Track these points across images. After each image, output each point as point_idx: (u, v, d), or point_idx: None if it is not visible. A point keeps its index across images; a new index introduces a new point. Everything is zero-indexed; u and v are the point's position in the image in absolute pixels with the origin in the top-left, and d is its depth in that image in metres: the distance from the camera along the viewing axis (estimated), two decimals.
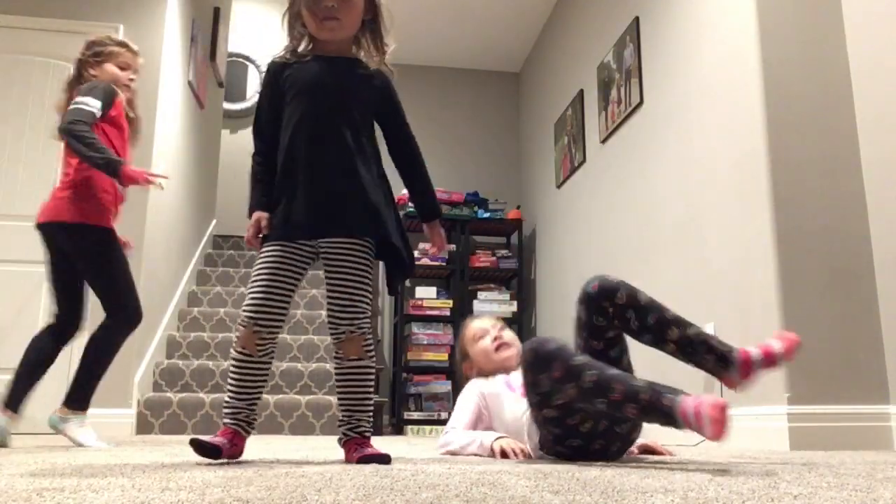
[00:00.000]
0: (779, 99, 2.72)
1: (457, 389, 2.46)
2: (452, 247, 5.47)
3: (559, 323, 4.87)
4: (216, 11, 5.49)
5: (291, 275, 1.60)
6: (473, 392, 2.05)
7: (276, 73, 1.68)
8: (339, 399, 1.61)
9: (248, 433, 1.61)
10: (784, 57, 2.76)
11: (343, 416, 1.60)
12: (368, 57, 1.72)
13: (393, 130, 1.78)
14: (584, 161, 4.54)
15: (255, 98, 6.04)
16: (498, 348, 2.10)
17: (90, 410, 2.57)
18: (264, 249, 1.61)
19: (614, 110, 4.06)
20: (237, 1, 6.63)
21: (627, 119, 3.90)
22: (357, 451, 1.52)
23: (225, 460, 1.53)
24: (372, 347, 1.61)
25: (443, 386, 5.19)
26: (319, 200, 1.59)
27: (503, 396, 1.98)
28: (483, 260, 5.48)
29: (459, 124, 6.25)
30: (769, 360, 1.54)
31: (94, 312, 2.61)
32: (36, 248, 3.95)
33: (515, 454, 1.77)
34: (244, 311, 1.57)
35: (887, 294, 2.57)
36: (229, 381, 1.59)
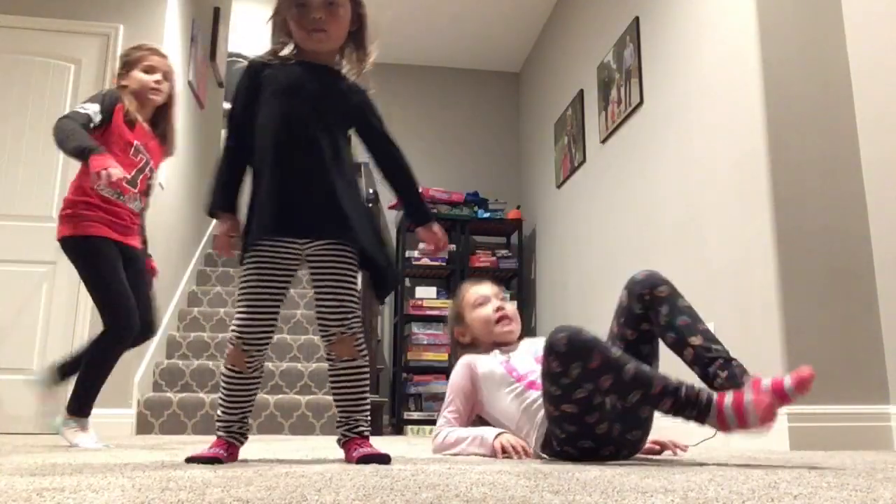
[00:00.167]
0: (779, 99, 2.71)
1: None
2: (453, 247, 5.47)
3: (559, 323, 4.86)
4: (216, 11, 5.49)
5: (277, 286, 1.59)
6: (466, 376, 1.93)
7: (256, 71, 1.66)
8: (335, 400, 1.60)
9: (242, 443, 1.61)
10: (784, 57, 2.76)
11: (340, 417, 1.60)
12: (350, 67, 1.72)
13: (375, 142, 1.77)
14: (584, 161, 4.54)
15: None
16: (499, 320, 2.00)
17: (93, 410, 2.57)
18: (249, 257, 1.59)
19: (614, 110, 4.06)
20: (237, 1, 6.63)
21: (627, 119, 3.90)
22: (356, 450, 1.52)
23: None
24: (364, 346, 1.60)
25: (443, 386, 5.19)
26: (298, 203, 1.58)
27: (501, 380, 1.87)
28: (483, 260, 5.48)
29: (459, 124, 6.25)
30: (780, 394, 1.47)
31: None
32: (36, 248, 3.96)
33: (517, 452, 1.73)
34: (233, 330, 1.57)
35: (887, 294, 2.57)
36: (220, 396, 1.60)
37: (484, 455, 1.81)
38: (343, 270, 1.58)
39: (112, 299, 2.40)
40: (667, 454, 2.02)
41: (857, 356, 2.54)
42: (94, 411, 3.93)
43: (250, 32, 7.08)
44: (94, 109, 2.38)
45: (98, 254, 2.41)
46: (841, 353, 2.54)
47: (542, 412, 1.72)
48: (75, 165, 4.03)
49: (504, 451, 1.74)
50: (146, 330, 2.56)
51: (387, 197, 5.75)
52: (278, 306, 1.60)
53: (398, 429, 5.11)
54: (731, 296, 2.83)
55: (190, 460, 1.48)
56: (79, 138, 2.23)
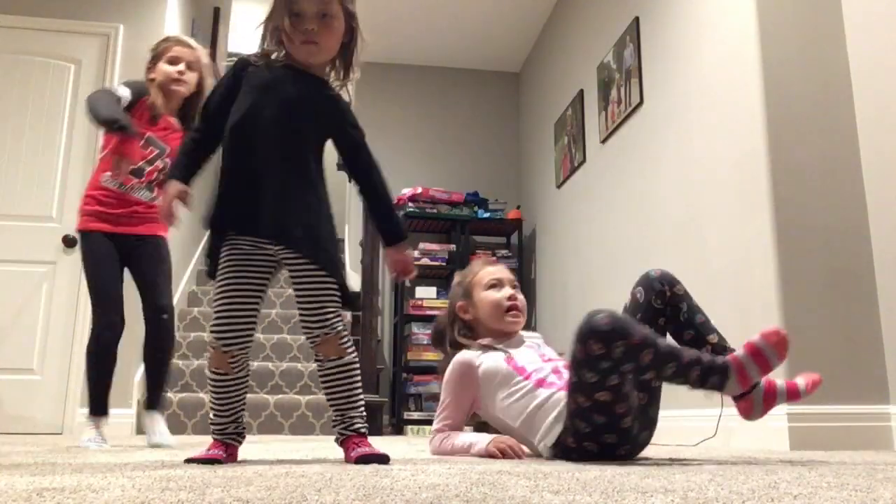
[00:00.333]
0: (779, 99, 2.72)
1: None
2: (452, 247, 5.47)
3: (560, 322, 4.87)
4: (216, 11, 5.49)
5: (253, 286, 1.58)
6: (463, 376, 1.85)
7: (240, 68, 1.65)
8: (328, 400, 1.59)
9: (239, 442, 1.61)
10: (784, 57, 2.76)
11: (335, 416, 1.58)
12: (336, 79, 1.70)
13: (351, 154, 1.70)
14: (584, 161, 4.54)
15: None
16: (510, 309, 1.93)
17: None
18: (223, 257, 1.58)
19: (614, 110, 4.06)
20: (237, 1, 6.63)
21: (627, 119, 3.90)
22: (354, 450, 1.51)
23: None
24: (349, 344, 1.57)
25: None
26: (252, 203, 1.55)
27: (505, 379, 1.81)
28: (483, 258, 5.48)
29: (459, 124, 6.25)
30: (792, 393, 1.65)
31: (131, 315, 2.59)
32: (36, 248, 3.96)
33: (515, 453, 1.70)
34: (211, 332, 1.56)
35: (887, 294, 2.57)
36: (211, 400, 1.59)
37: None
38: (319, 272, 1.55)
39: (91, 295, 2.46)
40: (666, 454, 2.01)
41: (857, 356, 2.54)
42: None
43: (250, 32, 7.08)
44: (125, 93, 2.41)
45: (86, 250, 2.46)
46: (841, 353, 2.54)
47: (555, 410, 1.69)
48: (75, 166, 4.04)
49: (503, 453, 1.71)
50: (159, 312, 2.53)
51: None
52: (255, 305, 1.58)
53: (398, 429, 5.11)
54: (731, 296, 2.83)
55: (189, 461, 1.48)
56: (112, 109, 2.26)
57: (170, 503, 0.80)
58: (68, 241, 3.94)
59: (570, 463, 1.55)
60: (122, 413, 3.72)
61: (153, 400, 2.55)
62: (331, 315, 1.55)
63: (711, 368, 1.53)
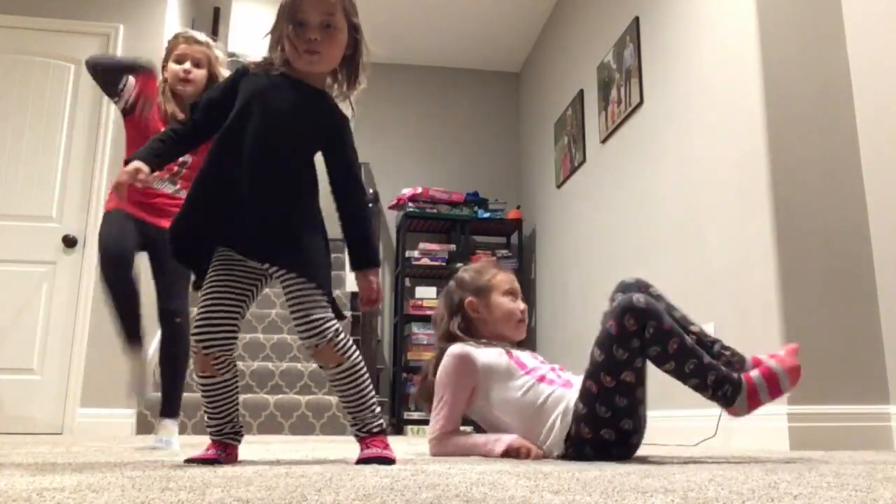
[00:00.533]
0: (779, 99, 2.72)
1: None
2: (452, 247, 5.48)
3: (560, 322, 4.87)
4: (216, 11, 5.49)
5: (238, 291, 1.56)
6: (462, 369, 1.82)
7: (241, 74, 1.64)
8: (340, 402, 1.59)
9: (238, 441, 1.61)
10: (784, 57, 2.76)
11: (349, 417, 1.59)
12: (339, 91, 1.68)
13: (338, 171, 1.63)
14: (584, 161, 4.54)
15: None
16: (519, 322, 1.94)
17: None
18: (213, 262, 1.57)
19: (614, 110, 4.06)
20: (237, 1, 6.63)
21: (627, 119, 3.90)
22: (363, 451, 1.52)
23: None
24: (347, 349, 1.53)
25: None
26: (248, 223, 1.52)
27: (507, 373, 1.80)
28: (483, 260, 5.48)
29: (459, 124, 6.24)
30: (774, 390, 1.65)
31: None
32: (36, 248, 3.96)
33: (528, 453, 1.68)
34: (192, 336, 1.54)
35: (887, 294, 2.57)
36: (203, 403, 1.59)
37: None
38: (306, 284, 1.52)
39: (98, 252, 2.43)
40: (666, 454, 2.01)
41: (857, 356, 2.54)
42: (95, 410, 3.94)
43: (250, 32, 7.08)
44: (130, 83, 2.41)
45: (101, 223, 2.45)
46: (841, 353, 2.53)
47: (559, 406, 1.71)
48: (75, 166, 4.04)
49: (518, 452, 1.69)
50: (172, 315, 2.49)
51: (386, 197, 5.77)
52: (238, 310, 1.56)
53: (398, 429, 5.11)
54: (731, 296, 2.83)
55: (189, 462, 1.48)
56: (122, 57, 2.25)
57: (170, 503, 0.80)
58: (68, 241, 3.94)
59: (569, 463, 1.55)
60: (123, 413, 3.73)
61: (167, 408, 2.48)
62: (322, 324, 1.50)
63: (727, 379, 1.59)
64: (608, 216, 4.12)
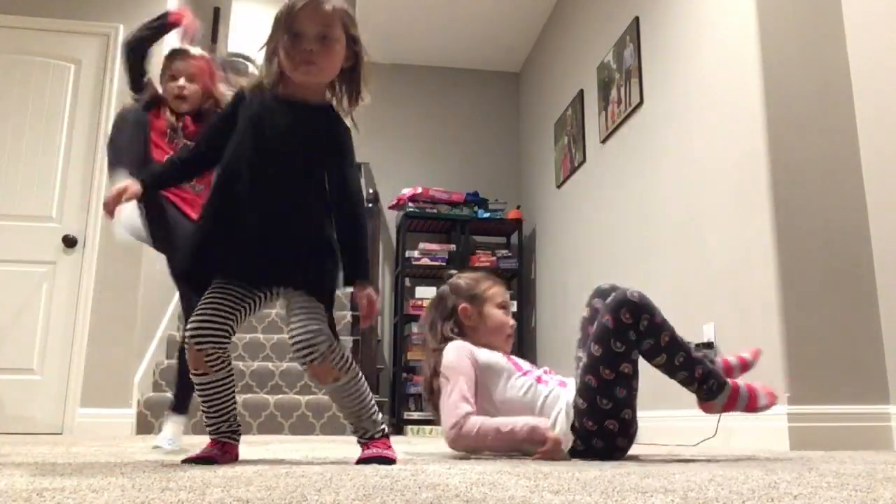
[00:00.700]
0: (779, 99, 2.71)
1: None
2: (452, 247, 5.47)
3: (560, 323, 4.87)
4: (216, 11, 5.50)
5: (239, 297, 1.56)
6: (468, 359, 1.82)
7: (238, 100, 1.64)
8: (340, 412, 1.60)
9: (236, 441, 1.60)
10: (784, 57, 2.76)
11: (350, 425, 1.60)
12: (339, 105, 1.64)
13: (335, 185, 1.59)
14: (584, 161, 4.54)
15: None
16: (508, 337, 1.98)
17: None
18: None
19: (614, 110, 4.06)
20: (237, 1, 6.63)
21: (627, 119, 3.90)
22: (363, 451, 1.53)
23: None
24: (343, 363, 1.51)
25: None
26: (261, 251, 1.52)
27: (505, 372, 1.83)
28: (483, 260, 5.48)
29: (459, 124, 6.25)
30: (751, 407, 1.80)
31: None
32: (36, 248, 3.97)
33: (559, 450, 1.69)
34: (186, 329, 1.54)
35: (887, 294, 2.57)
36: (199, 401, 1.59)
37: (527, 447, 1.71)
38: (304, 293, 1.53)
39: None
40: (666, 454, 2.02)
41: (857, 356, 2.54)
42: (95, 410, 3.94)
43: (250, 32, 7.08)
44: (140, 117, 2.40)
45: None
46: (841, 353, 2.53)
47: (558, 404, 1.75)
48: (75, 166, 4.05)
49: (556, 444, 1.68)
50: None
51: (386, 197, 5.77)
52: (234, 312, 1.54)
53: (398, 429, 5.11)
54: (731, 296, 2.83)
55: (186, 461, 1.48)
56: (121, 157, 2.19)
57: (170, 503, 0.80)
58: (68, 241, 3.94)
59: (569, 462, 1.55)
60: (122, 413, 3.73)
61: (177, 404, 2.45)
62: (318, 341, 1.48)
63: (713, 374, 1.72)
64: (608, 216, 4.12)
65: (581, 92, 4.64)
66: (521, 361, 1.92)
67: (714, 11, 3.09)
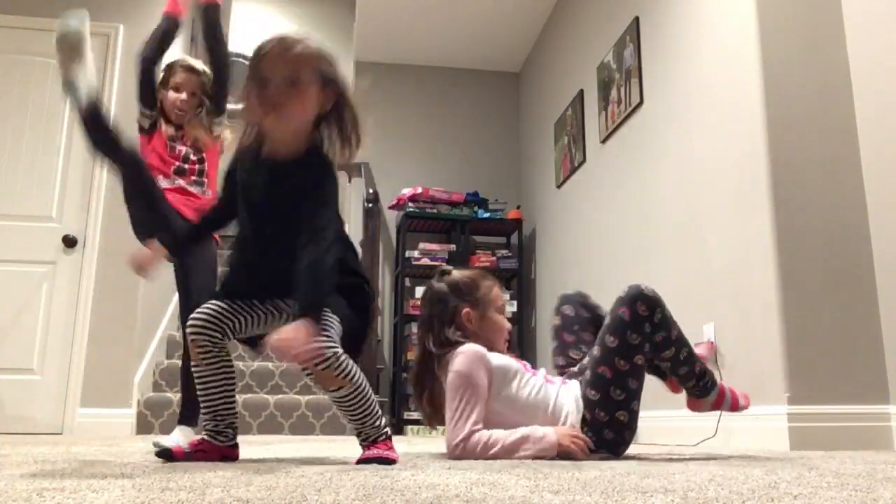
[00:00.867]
0: (779, 99, 2.71)
1: None
2: (452, 247, 5.47)
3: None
4: None
5: (239, 308, 1.60)
6: (481, 368, 1.75)
7: (233, 163, 1.66)
8: (343, 417, 1.62)
9: (219, 441, 1.61)
10: (784, 57, 2.76)
11: (354, 429, 1.61)
12: (331, 150, 1.56)
13: (307, 220, 1.51)
14: (584, 161, 4.54)
15: None
16: (506, 340, 1.96)
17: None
18: None
19: (614, 110, 4.06)
20: (237, 1, 6.64)
21: (627, 119, 3.90)
22: (364, 452, 1.54)
23: (219, 461, 1.56)
24: (346, 372, 1.49)
25: None
26: (278, 296, 1.63)
27: (517, 374, 1.81)
28: (483, 260, 5.48)
29: (459, 124, 6.24)
30: (735, 407, 1.97)
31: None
32: (36, 248, 3.97)
33: (588, 446, 1.70)
34: (187, 323, 1.58)
35: (887, 294, 2.57)
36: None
37: (541, 457, 1.66)
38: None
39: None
40: (666, 454, 2.03)
41: (857, 356, 2.54)
42: (95, 410, 3.93)
43: (250, 32, 7.07)
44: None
45: None
46: (841, 353, 2.53)
47: (568, 399, 1.78)
48: (75, 166, 4.05)
49: (574, 445, 1.68)
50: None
51: (386, 197, 5.77)
52: (236, 317, 1.59)
53: (398, 429, 5.10)
54: (731, 296, 2.83)
55: (155, 444, 1.58)
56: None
57: (170, 503, 0.80)
58: (68, 241, 3.94)
59: (569, 463, 1.55)
60: (122, 413, 3.73)
61: (183, 415, 2.41)
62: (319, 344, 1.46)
63: (708, 372, 1.87)
64: (608, 216, 4.12)
65: (581, 92, 4.64)
66: (524, 363, 1.93)
67: (714, 11, 3.09)
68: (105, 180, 4.03)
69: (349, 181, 5.79)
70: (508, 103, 6.38)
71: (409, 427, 4.97)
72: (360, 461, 1.49)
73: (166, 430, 3.71)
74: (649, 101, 3.66)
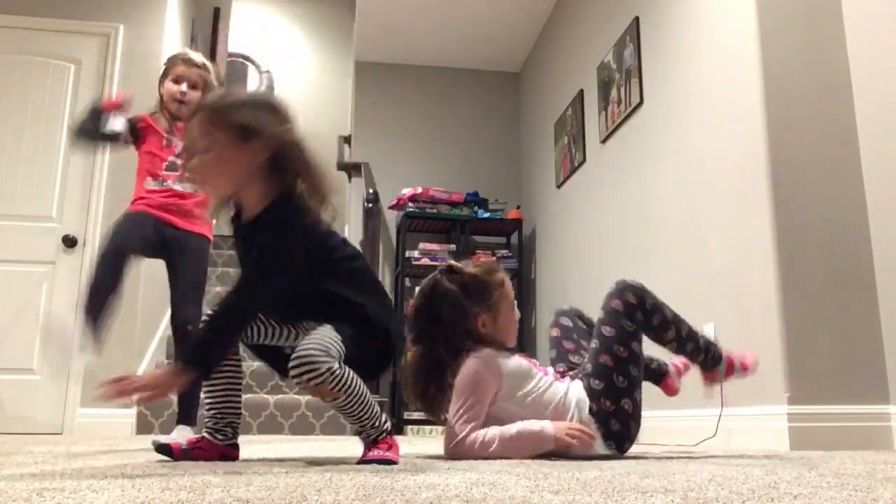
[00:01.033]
0: (779, 99, 2.71)
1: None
2: (452, 247, 5.47)
3: None
4: (216, 11, 5.49)
5: (258, 322, 1.64)
6: (492, 376, 1.75)
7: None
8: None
9: (217, 440, 1.62)
10: (784, 57, 2.76)
11: (353, 429, 1.63)
12: (306, 195, 1.50)
13: (251, 263, 1.50)
14: (584, 161, 4.54)
15: None
16: (514, 333, 1.95)
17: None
18: None
19: (614, 110, 4.06)
20: (237, 1, 6.64)
21: (627, 119, 3.90)
22: (365, 452, 1.55)
23: (218, 461, 1.56)
24: (342, 384, 1.48)
25: None
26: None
27: (528, 374, 1.80)
28: (483, 260, 5.47)
29: (459, 124, 6.24)
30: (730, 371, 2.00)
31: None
32: (36, 248, 3.97)
33: (589, 436, 1.71)
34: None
35: (887, 294, 2.57)
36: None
37: (540, 451, 1.67)
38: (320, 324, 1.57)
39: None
40: (666, 454, 2.02)
41: (857, 356, 2.54)
42: (95, 410, 3.94)
43: (250, 32, 7.08)
44: (119, 126, 2.45)
45: (122, 216, 2.45)
46: (841, 353, 2.53)
47: (574, 393, 1.79)
48: (75, 166, 4.05)
49: (571, 437, 1.68)
50: (185, 323, 2.38)
51: (386, 197, 5.77)
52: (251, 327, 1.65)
53: (398, 429, 5.10)
54: (731, 296, 2.83)
55: (154, 442, 1.58)
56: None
57: (170, 503, 0.80)
58: (68, 241, 3.94)
59: (569, 462, 1.55)
60: (122, 413, 3.72)
61: (182, 415, 2.43)
62: (313, 365, 1.45)
63: (712, 343, 1.93)
64: (608, 216, 4.12)
65: (581, 92, 4.64)
66: (534, 361, 1.93)
67: (714, 11, 3.09)
68: (105, 180, 4.03)
69: (349, 181, 5.79)
70: (508, 103, 6.38)
71: (409, 427, 4.97)
72: (361, 461, 1.49)
73: (166, 430, 3.71)
74: (649, 101, 3.66)
